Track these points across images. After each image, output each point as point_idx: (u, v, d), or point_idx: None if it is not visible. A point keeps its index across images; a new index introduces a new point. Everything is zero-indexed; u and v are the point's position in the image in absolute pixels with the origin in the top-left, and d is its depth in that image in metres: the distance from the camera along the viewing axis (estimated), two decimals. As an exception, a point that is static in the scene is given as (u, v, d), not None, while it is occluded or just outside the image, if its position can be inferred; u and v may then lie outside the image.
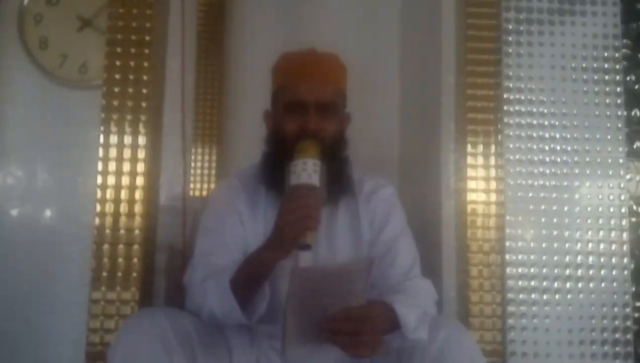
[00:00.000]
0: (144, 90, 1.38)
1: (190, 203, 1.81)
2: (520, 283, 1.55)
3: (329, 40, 2.20)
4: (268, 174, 1.34)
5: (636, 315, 1.70)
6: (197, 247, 1.33)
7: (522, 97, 1.63)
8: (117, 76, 1.38)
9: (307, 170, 1.15)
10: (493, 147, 1.60)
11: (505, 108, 1.61)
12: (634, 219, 1.86)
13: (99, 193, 1.37)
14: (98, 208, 1.36)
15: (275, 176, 1.29)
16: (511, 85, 1.62)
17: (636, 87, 1.98)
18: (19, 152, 2.18)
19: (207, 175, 2.21)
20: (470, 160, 1.59)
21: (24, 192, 2.17)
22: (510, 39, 1.64)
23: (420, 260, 1.43)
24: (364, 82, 2.21)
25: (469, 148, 1.60)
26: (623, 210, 1.60)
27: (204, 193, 2.19)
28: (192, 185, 2.17)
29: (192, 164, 2.16)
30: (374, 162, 2.15)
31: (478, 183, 1.59)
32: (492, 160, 1.59)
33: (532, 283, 1.56)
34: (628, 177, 1.76)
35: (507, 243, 1.56)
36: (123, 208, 1.36)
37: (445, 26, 1.74)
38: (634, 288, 1.62)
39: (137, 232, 1.36)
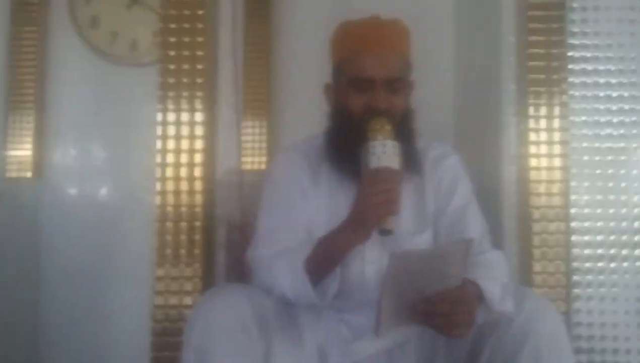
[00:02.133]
0: (199, 66, 1.36)
1: (243, 177, 1.82)
2: (586, 251, 1.51)
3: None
4: (334, 152, 1.29)
5: None
6: (260, 223, 1.31)
7: (588, 55, 1.55)
8: (171, 53, 1.36)
9: (387, 153, 1.12)
10: (557, 109, 1.53)
11: (570, 67, 1.53)
12: None
13: (159, 172, 1.37)
14: (159, 186, 1.37)
15: (342, 154, 1.26)
16: (576, 42, 1.54)
17: None
18: (74, 131, 2.24)
19: (258, 148, 2.21)
20: (532, 123, 1.53)
21: (81, 171, 2.23)
22: (574, -8, 1.55)
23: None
24: (415, 43, 2.14)
25: (532, 111, 1.53)
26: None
27: (255, 166, 2.19)
28: (242, 159, 2.17)
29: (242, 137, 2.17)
30: (428, 125, 2.10)
31: (541, 147, 1.53)
32: (556, 123, 1.52)
33: (599, 251, 1.51)
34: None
35: (573, 211, 1.51)
36: (184, 185, 1.37)
37: (504, -18, 1.65)
38: None
39: (198, 209, 1.37)
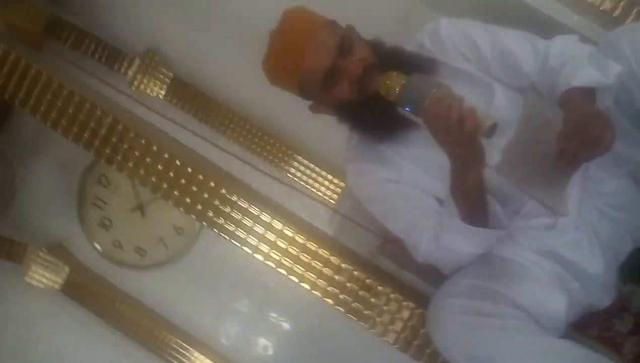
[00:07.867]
0: None
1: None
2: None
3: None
4: (378, 128, 1.27)
5: None
6: (396, 230, 1.31)
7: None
8: None
9: (422, 80, 1.10)
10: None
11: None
12: None
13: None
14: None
15: (384, 123, 1.24)
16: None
17: None
18: None
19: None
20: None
21: None
22: None
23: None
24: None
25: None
26: None
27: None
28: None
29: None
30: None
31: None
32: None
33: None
34: None
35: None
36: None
37: None
38: None
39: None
